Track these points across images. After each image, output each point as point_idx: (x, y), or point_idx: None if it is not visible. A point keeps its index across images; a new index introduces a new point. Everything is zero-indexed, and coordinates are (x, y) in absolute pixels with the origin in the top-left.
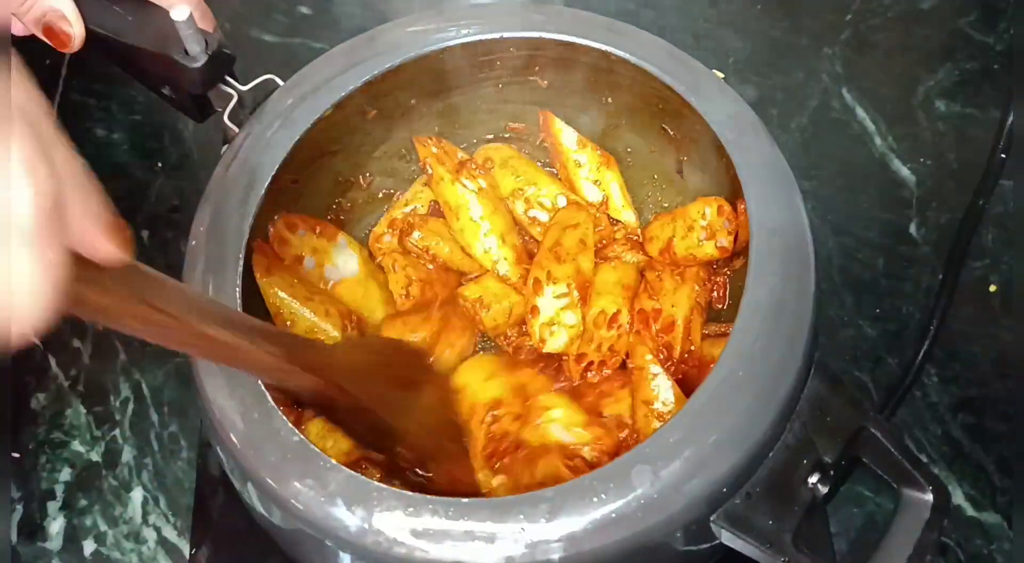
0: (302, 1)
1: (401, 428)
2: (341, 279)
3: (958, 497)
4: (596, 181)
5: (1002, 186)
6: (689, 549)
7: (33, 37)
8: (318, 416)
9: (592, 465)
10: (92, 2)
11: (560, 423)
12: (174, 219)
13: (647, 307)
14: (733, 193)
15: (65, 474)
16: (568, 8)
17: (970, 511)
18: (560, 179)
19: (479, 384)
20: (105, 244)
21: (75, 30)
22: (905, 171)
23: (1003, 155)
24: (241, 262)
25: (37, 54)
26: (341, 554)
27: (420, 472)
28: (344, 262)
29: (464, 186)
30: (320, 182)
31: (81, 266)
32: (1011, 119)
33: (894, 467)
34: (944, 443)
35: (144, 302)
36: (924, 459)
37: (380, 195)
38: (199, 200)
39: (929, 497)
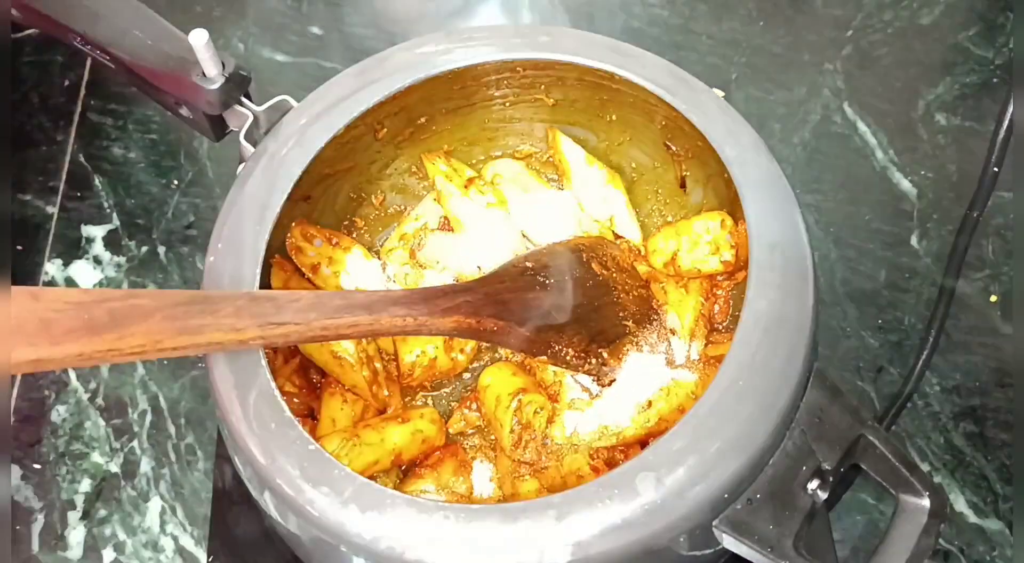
0: (313, 22)
1: (558, 328)
2: (356, 290)
3: (960, 504)
4: (602, 198)
5: (1002, 198)
6: (693, 554)
7: (48, 52)
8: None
9: (613, 465)
10: (114, 27)
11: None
12: (190, 235)
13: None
14: (734, 206)
15: (85, 485)
16: (574, 30)
17: (972, 518)
18: None
19: (504, 379)
20: None
21: None
22: (906, 184)
23: (996, 168)
24: (258, 277)
25: (56, 75)
26: (355, 559)
27: (595, 359)
28: (358, 272)
29: (472, 201)
30: (333, 199)
31: None
32: (1002, 133)
33: (892, 473)
34: (946, 451)
35: (267, 324)
36: (926, 467)
37: (391, 211)
38: (214, 216)
39: (927, 502)
